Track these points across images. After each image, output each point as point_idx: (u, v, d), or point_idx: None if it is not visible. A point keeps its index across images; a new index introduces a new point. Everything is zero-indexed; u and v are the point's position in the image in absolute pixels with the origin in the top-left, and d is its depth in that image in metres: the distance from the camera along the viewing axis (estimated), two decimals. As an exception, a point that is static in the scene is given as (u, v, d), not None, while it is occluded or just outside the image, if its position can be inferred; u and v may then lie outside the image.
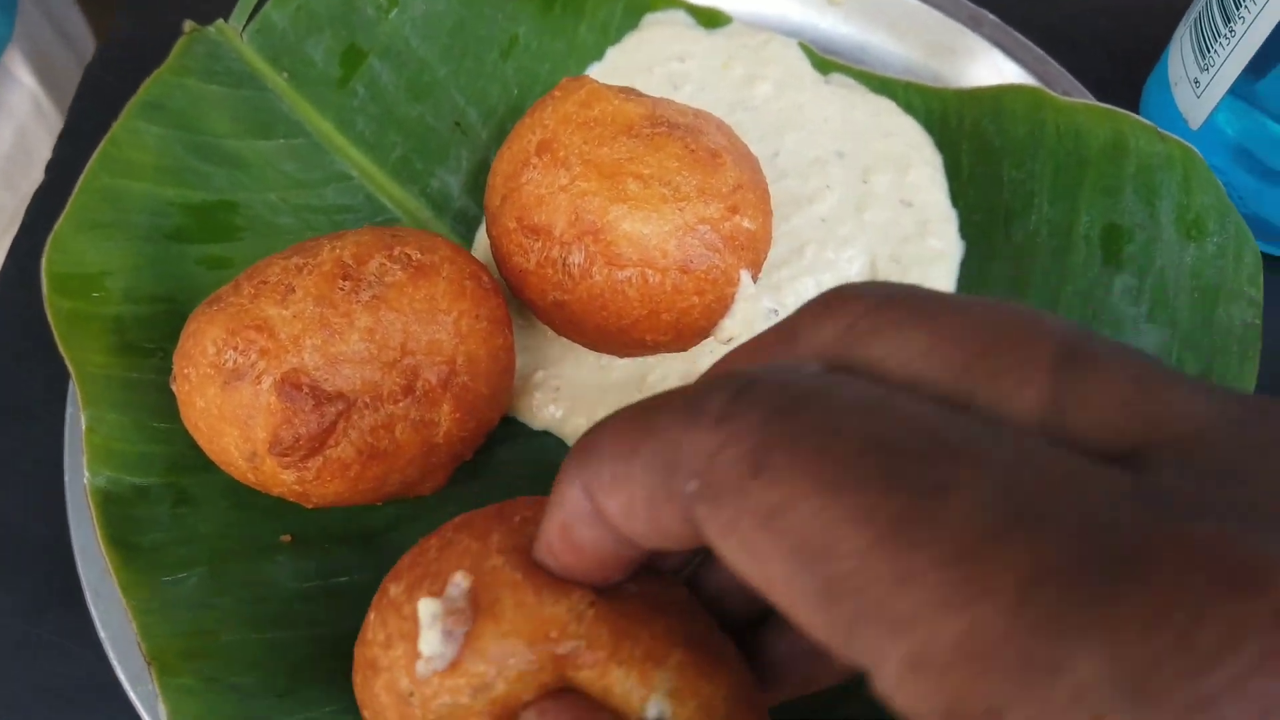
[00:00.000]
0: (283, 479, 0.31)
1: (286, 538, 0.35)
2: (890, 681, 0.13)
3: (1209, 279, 0.38)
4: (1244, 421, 0.14)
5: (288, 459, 0.31)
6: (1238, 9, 0.36)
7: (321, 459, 0.31)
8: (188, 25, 0.43)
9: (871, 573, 0.13)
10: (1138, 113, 0.43)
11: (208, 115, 0.42)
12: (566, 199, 0.33)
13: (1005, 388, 0.15)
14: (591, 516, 0.18)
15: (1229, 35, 0.36)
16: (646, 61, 0.45)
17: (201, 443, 0.33)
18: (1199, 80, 0.38)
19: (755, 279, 0.35)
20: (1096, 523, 0.12)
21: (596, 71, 0.45)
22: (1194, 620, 0.11)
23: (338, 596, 0.34)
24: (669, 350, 0.36)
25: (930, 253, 0.41)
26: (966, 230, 0.41)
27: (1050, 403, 0.14)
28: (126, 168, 0.40)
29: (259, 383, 0.30)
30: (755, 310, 0.36)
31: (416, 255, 0.33)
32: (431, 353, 0.32)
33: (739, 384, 0.16)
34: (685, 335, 0.35)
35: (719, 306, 0.34)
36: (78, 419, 0.35)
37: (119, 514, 0.34)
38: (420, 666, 0.23)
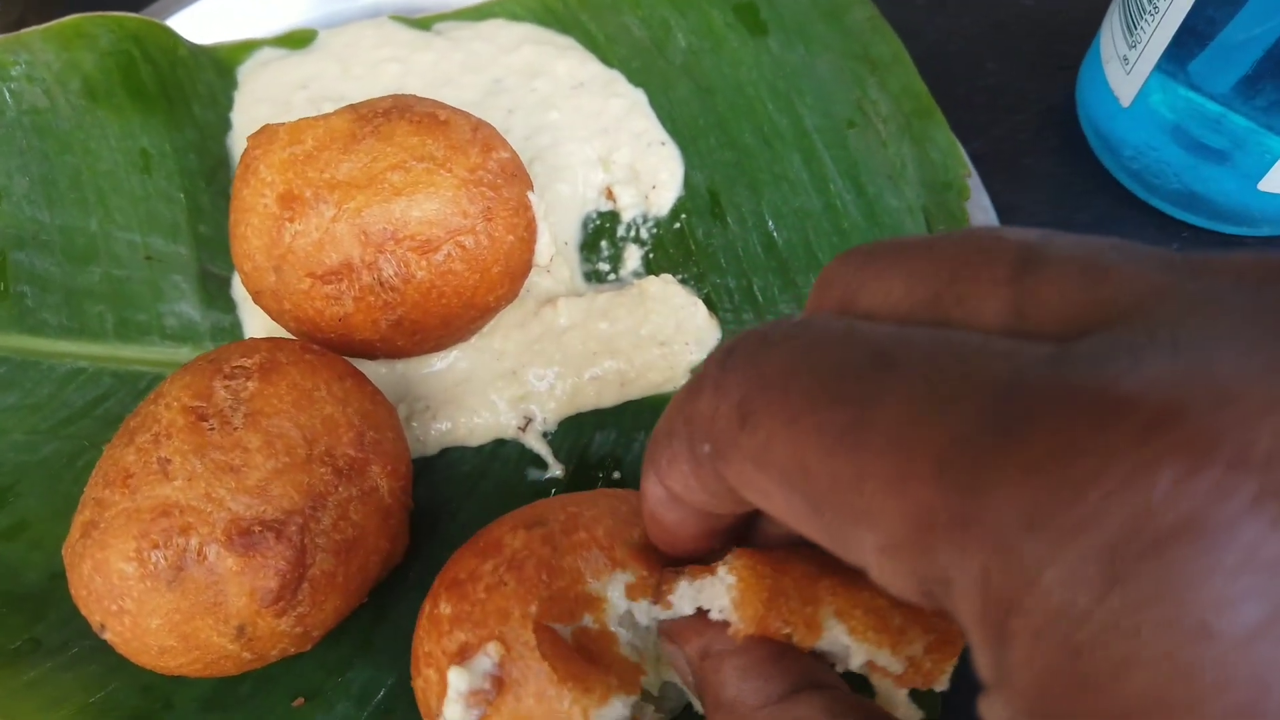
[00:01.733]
0: (281, 631, 0.29)
1: (298, 702, 0.33)
2: (874, 571, 0.15)
3: (824, 4, 0.45)
4: (1181, 281, 0.14)
5: (282, 603, 0.28)
6: None
7: (308, 584, 0.29)
8: None
9: (837, 480, 0.14)
10: (1074, 93, 0.45)
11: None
12: (345, 226, 0.32)
13: (972, 308, 0.16)
14: (667, 499, 0.21)
15: (1154, 12, 0.37)
16: (276, 107, 0.44)
17: (171, 664, 0.29)
18: (1128, 57, 0.39)
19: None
20: (1003, 390, 0.13)
21: (236, 139, 0.43)
22: (1069, 458, 0.12)
23: (393, 711, 0.33)
24: (508, 301, 0.37)
25: (622, 110, 0.45)
26: (634, 77, 0.45)
27: (1011, 309, 0.15)
28: None
29: (204, 558, 0.28)
30: (545, 225, 0.38)
31: (248, 362, 0.31)
32: (332, 429, 0.31)
33: (727, 345, 0.18)
34: (515, 277, 0.36)
35: (529, 235, 0.35)
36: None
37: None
38: None
